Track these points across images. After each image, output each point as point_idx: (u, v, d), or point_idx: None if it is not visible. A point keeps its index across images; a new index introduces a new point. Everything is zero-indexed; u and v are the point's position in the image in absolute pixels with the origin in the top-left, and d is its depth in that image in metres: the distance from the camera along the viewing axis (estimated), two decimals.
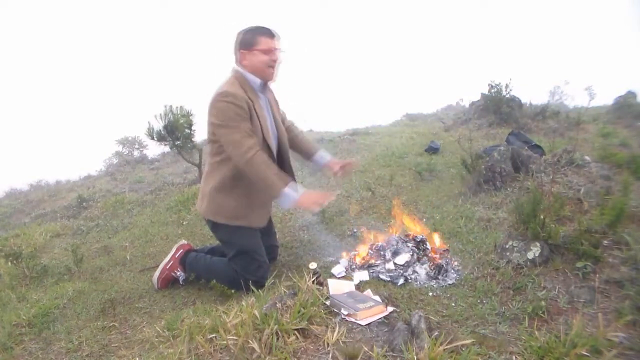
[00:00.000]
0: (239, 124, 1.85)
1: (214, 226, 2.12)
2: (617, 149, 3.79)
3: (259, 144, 1.94)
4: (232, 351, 1.34)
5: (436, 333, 1.41)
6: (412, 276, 1.94)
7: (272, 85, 2.13)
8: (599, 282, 1.65)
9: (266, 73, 1.97)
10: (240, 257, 2.04)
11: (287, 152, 2.19)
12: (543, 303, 1.57)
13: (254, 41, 1.92)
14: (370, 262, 2.10)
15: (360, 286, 1.85)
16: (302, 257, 2.43)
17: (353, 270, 2.07)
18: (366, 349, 1.32)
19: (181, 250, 2.30)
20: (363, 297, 1.65)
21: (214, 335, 1.44)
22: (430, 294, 1.79)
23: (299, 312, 1.44)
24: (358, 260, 2.14)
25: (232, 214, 2.01)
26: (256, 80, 1.97)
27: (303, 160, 2.35)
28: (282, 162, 2.14)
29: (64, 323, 2.03)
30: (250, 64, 1.94)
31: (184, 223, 3.43)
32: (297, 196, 1.86)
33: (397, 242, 2.16)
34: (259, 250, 2.07)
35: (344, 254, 2.26)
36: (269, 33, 1.93)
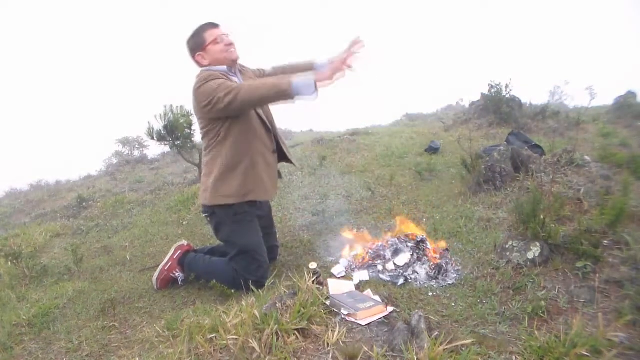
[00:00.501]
0: (225, 82, 1.87)
1: (217, 225, 2.11)
2: (617, 149, 3.80)
3: (250, 113, 1.98)
4: (232, 351, 1.34)
5: (436, 333, 1.41)
6: (412, 276, 1.94)
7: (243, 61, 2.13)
8: (599, 282, 1.65)
9: (228, 57, 2.00)
10: (241, 256, 2.04)
11: (276, 128, 2.19)
12: (543, 303, 1.57)
13: (201, 40, 1.98)
14: (370, 262, 2.10)
15: (360, 286, 1.85)
16: (302, 257, 2.43)
17: (353, 270, 2.07)
18: (366, 349, 1.32)
19: (179, 251, 2.30)
20: (363, 297, 1.65)
21: (214, 335, 1.44)
22: (430, 294, 1.79)
23: (299, 312, 1.44)
24: (358, 260, 2.14)
25: (241, 191, 1.99)
26: (222, 68, 2.00)
27: None
28: (277, 138, 2.16)
29: (64, 323, 2.03)
30: (210, 60, 1.99)
31: (184, 223, 3.44)
32: (313, 76, 1.77)
33: (397, 242, 2.16)
34: (260, 250, 2.06)
35: (344, 253, 2.26)
36: (210, 25, 1.99)
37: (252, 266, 2.03)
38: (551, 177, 2.48)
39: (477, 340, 1.39)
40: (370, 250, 2.20)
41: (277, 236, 2.46)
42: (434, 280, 1.91)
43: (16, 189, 7.66)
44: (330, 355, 1.31)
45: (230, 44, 2.00)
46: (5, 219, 5.20)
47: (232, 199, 2.00)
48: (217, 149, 2.00)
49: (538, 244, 1.86)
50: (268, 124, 2.09)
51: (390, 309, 1.59)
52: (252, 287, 1.88)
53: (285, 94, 1.78)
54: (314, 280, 1.63)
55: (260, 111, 2.06)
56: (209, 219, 2.16)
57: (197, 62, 2.02)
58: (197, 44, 1.99)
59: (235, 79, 2.03)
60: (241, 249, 2.04)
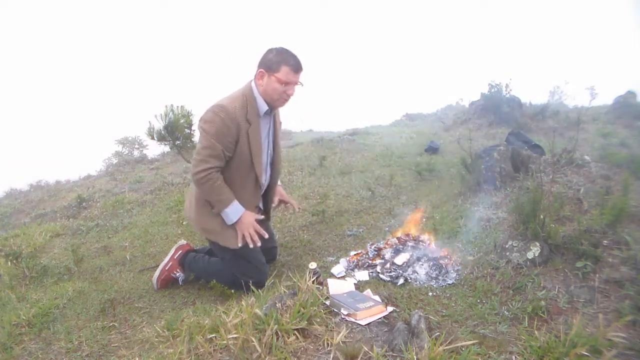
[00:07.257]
0: (215, 142, 1.85)
1: (207, 234, 2.13)
2: (617, 149, 3.80)
3: (246, 168, 1.96)
4: (232, 351, 1.34)
5: (436, 333, 1.41)
6: (412, 276, 1.94)
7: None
8: (599, 282, 1.65)
9: (275, 102, 1.95)
10: (236, 261, 2.04)
11: (276, 178, 2.20)
12: (543, 303, 1.57)
13: (276, 67, 1.87)
14: (370, 262, 2.10)
15: (360, 286, 1.85)
16: (302, 257, 2.43)
17: (353, 270, 2.07)
18: (366, 349, 1.32)
19: (180, 251, 2.30)
20: (363, 297, 1.65)
21: (214, 335, 1.44)
22: (430, 294, 1.79)
23: (299, 312, 1.44)
24: (358, 261, 2.14)
25: (209, 227, 2.03)
26: (263, 107, 1.95)
27: None
28: (267, 188, 2.18)
29: (64, 323, 2.03)
30: (264, 87, 1.92)
31: (184, 223, 3.43)
32: (243, 210, 1.96)
33: (397, 242, 2.16)
34: (253, 254, 2.06)
35: (344, 254, 2.26)
36: (294, 65, 1.88)
37: (249, 269, 2.02)
38: (551, 177, 2.48)
39: (477, 340, 1.39)
40: (370, 250, 2.20)
41: (277, 237, 2.45)
42: (434, 280, 1.91)
43: (16, 189, 7.63)
44: (331, 356, 1.31)
45: (290, 95, 1.94)
46: (5, 219, 5.18)
47: (205, 232, 2.07)
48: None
49: (538, 244, 1.86)
50: (262, 183, 2.07)
51: (390, 309, 1.59)
52: (252, 287, 1.89)
53: (222, 206, 1.95)
54: (314, 280, 1.63)
55: (258, 170, 2.01)
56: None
57: (255, 72, 1.94)
58: (269, 64, 1.88)
59: (265, 122, 2.01)
60: (235, 253, 2.03)
